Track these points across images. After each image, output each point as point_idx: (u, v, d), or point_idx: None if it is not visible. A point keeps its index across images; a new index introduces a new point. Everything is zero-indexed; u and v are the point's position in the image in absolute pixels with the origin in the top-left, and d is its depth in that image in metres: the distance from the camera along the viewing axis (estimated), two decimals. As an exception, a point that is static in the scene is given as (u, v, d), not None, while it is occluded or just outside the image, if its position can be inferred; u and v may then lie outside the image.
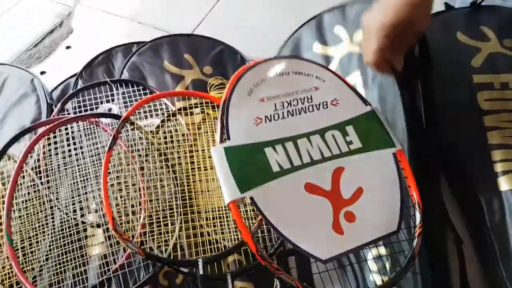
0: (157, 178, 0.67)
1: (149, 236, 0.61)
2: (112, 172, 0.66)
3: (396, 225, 0.48)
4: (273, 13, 1.15)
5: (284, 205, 0.44)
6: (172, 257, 0.60)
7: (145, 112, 0.78)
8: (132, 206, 0.64)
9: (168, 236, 0.61)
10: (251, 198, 0.43)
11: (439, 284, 0.63)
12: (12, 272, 0.60)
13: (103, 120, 0.74)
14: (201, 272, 0.56)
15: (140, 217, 0.62)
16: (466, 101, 0.82)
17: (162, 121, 0.73)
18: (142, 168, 0.67)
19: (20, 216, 0.65)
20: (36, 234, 0.64)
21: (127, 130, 0.71)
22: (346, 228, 0.45)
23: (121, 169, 0.67)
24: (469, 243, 0.74)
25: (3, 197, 0.65)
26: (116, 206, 0.63)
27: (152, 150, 0.69)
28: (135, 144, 0.70)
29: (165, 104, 0.82)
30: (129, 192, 0.65)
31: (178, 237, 0.61)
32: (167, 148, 0.71)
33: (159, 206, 0.64)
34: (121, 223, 0.61)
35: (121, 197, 0.64)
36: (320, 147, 0.49)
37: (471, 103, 0.82)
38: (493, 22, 0.90)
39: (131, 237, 0.58)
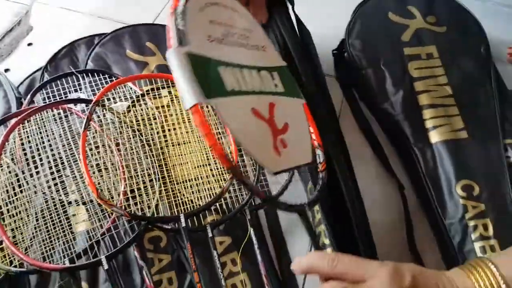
0: (133, 152, 0.73)
1: (132, 201, 0.67)
2: (89, 150, 0.72)
3: (310, 158, 0.57)
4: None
5: (239, 122, 0.46)
6: (155, 216, 0.67)
7: (113, 98, 0.84)
8: (111, 178, 0.70)
9: (149, 198, 0.68)
10: (215, 106, 0.43)
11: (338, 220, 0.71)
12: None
13: (74, 107, 0.79)
14: (183, 224, 0.64)
15: (120, 186, 0.69)
16: (400, 70, 0.95)
17: (132, 101, 0.80)
18: (117, 145, 0.73)
19: (2, 199, 0.69)
20: (22, 214, 0.68)
21: (99, 113, 0.77)
22: (281, 151, 0.50)
23: (97, 148, 0.73)
24: (409, 187, 0.86)
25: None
26: (96, 179, 0.69)
27: (125, 128, 0.75)
28: (107, 124, 0.76)
29: (131, 89, 0.88)
30: (107, 167, 0.71)
31: (158, 199, 0.68)
32: (139, 126, 0.77)
33: (138, 176, 0.71)
34: (104, 194, 0.67)
35: (99, 171, 0.70)
36: (258, 81, 0.52)
37: (403, 71, 0.94)
38: (418, 1, 1.04)
39: (115, 203, 0.65)
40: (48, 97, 0.87)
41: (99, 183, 0.70)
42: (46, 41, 1.12)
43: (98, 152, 0.72)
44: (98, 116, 0.77)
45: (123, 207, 0.65)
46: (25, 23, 1.17)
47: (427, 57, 0.97)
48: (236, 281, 0.69)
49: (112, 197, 0.68)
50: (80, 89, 0.90)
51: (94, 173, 0.69)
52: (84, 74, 0.92)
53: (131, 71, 0.97)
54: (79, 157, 0.70)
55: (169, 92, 0.85)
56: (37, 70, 1.00)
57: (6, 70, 1.02)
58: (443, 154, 0.84)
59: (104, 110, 0.76)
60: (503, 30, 1.14)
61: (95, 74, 0.93)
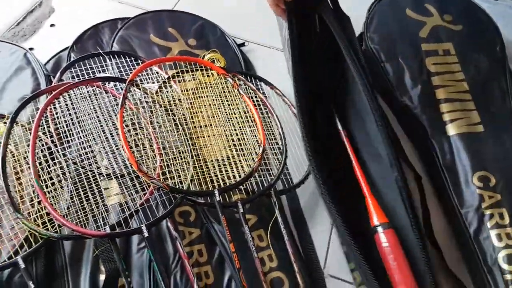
0: (166, 130, 0.75)
1: (169, 175, 0.69)
2: (125, 127, 0.73)
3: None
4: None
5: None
6: (191, 189, 0.69)
7: (141, 80, 0.86)
8: (148, 153, 0.72)
9: (184, 173, 0.70)
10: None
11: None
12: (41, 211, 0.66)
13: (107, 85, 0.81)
14: (217, 199, 0.66)
15: (156, 161, 0.71)
16: (418, 65, 0.98)
17: (164, 82, 0.82)
18: (151, 122, 0.75)
19: (42, 169, 0.70)
20: (57, 185, 0.70)
21: (132, 92, 0.79)
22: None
23: (133, 125, 0.74)
24: (426, 180, 0.89)
25: (18, 159, 0.71)
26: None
27: (158, 107, 0.77)
28: (141, 103, 0.78)
29: (158, 72, 0.90)
30: (143, 143, 0.73)
31: (193, 174, 0.70)
32: (170, 106, 0.80)
33: (172, 153, 0.73)
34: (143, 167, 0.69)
35: (136, 146, 0.72)
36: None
37: (421, 66, 0.97)
38: (435, 0, 1.07)
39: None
40: (77, 76, 0.88)
41: (136, 158, 0.71)
42: (68, 22, 1.14)
43: (135, 129, 0.74)
44: (132, 95, 0.79)
45: (162, 180, 0.67)
46: (46, 4, 1.18)
47: (444, 53, 1.00)
48: (264, 255, 0.71)
49: (149, 171, 0.69)
50: (107, 69, 0.92)
51: (131, 148, 0.71)
52: (111, 55, 0.94)
53: (155, 55, 0.99)
54: (117, 132, 0.72)
55: (198, 76, 0.88)
56: (63, 50, 1.01)
57: (31, 49, 1.03)
58: (459, 146, 0.87)
59: (138, 89, 0.78)
60: (512, 32, 1.17)
61: (121, 56, 0.94)
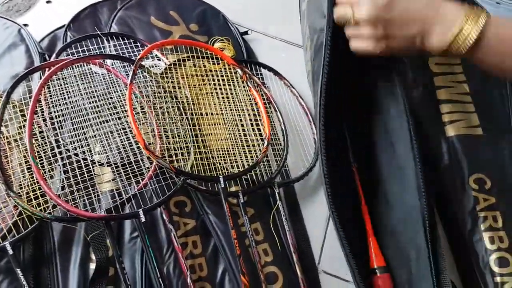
0: (169, 113, 0.75)
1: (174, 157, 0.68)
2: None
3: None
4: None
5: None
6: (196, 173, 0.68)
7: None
8: (150, 135, 0.71)
9: (186, 158, 0.69)
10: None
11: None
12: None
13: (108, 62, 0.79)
14: (222, 185, 0.65)
15: (157, 143, 0.70)
16: (421, 65, 0.97)
17: (169, 66, 0.80)
18: (153, 105, 0.74)
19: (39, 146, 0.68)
20: (52, 165, 0.68)
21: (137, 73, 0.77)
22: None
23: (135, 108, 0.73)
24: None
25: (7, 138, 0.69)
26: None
27: (162, 90, 0.76)
28: (145, 86, 0.77)
29: (157, 56, 0.88)
30: (144, 124, 0.73)
31: (193, 160, 0.69)
32: (175, 90, 0.79)
33: (173, 137, 0.71)
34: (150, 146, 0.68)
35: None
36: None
37: (425, 66, 0.96)
38: None
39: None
40: (73, 56, 0.86)
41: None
42: (65, 0, 1.10)
43: (136, 112, 0.72)
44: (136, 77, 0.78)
45: (168, 160, 0.66)
46: (43, -21, 1.14)
47: (448, 53, 0.99)
48: (259, 249, 0.70)
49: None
50: (105, 51, 0.89)
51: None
52: (109, 37, 0.91)
53: (156, 38, 0.96)
54: (125, 109, 0.71)
55: (205, 63, 0.86)
56: (59, 28, 0.97)
57: (25, 25, 0.99)
58: (458, 148, 0.87)
59: (143, 71, 0.76)
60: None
61: (120, 37, 0.92)
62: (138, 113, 0.74)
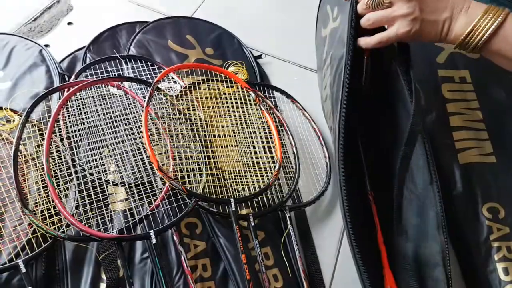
0: (182, 136, 0.76)
1: (181, 179, 0.69)
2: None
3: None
4: (264, 3, 1.26)
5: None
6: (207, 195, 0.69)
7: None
8: (163, 156, 0.72)
9: (198, 180, 0.70)
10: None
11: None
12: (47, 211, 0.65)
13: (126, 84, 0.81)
14: (233, 208, 0.66)
15: (170, 165, 0.71)
16: (433, 90, 0.97)
17: (185, 88, 0.82)
18: (168, 127, 0.75)
19: (54, 168, 0.69)
20: (67, 184, 0.69)
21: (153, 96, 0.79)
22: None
23: (150, 130, 0.74)
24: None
25: (25, 156, 0.71)
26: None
27: (176, 113, 0.77)
28: (161, 108, 0.79)
29: (173, 79, 0.90)
30: (159, 145, 0.74)
31: (206, 182, 0.70)
32: (189, 112, 0.80)
33: (186, 159, 0.72)
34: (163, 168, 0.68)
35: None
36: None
37: (437, 92, 0.97)
38: None
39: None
40: (92, 77, 0.88)
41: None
42: (86, 22, 1.14)
43: (152, 134, 0.74)
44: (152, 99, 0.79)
45: (180, 182, 0.66)
46: (65, 1, 1.18)
47: (460, 80, 0.99)
48: (269, 274, 0.70)
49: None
50: (123, 73, 0.91)
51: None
52: (127, 59, 0.94)
53: (172, 61, 0.98)
54: (141, 130, 0.73)
55: (219, 86, 0.88)
56: (79, 49, 1.01)
57: (46, 46, 1.03)
58: (471, 175, 0.86)
59: (159, 93, 0.78)
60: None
61: (138, 60, 0.94)
62: (153, 134, 0.76)
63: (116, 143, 0.75)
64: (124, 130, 0.78)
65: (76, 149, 0.73)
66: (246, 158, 0.80)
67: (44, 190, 0.68)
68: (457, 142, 0.91)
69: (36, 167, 0.72)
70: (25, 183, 0.70)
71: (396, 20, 0.60)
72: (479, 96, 0.97)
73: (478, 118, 0.94)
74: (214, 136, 0.82)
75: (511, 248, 0.78)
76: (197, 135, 0.76)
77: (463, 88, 0.99)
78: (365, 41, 0.66)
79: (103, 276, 0.65)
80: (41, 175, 0.70)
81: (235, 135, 0.82)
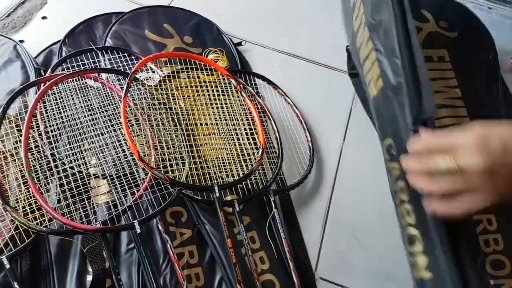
0: (164, 125, 0.75)
1: (166, 169, 0.69)
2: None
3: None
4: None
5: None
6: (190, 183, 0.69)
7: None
8: (144, 146, 0.72)
9: (181, 168, 0.70)
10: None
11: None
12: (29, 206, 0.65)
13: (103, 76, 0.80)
14: (217, 194, 0.66)
15: (151, 154, 0.70)
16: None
17: (163, 78, 0.81)
18: (148, 117, 0.75)
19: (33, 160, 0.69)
20: (47, 179, 0.68)
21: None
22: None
23: (129, 121, 0.74)
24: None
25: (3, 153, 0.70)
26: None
27: (156, 102, 0.77)
28: (140, 98, 0.78)
29: (151, 68, 0.89)
30: (139, 135, 0.73)
31: (188, 170, 0.70)
32: (169, 102, 0.80)
33: (168, 148, 0.72)
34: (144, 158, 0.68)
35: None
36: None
37: (416, 71, 0.97)
38: (431, 6, 1.07)
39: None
40: (68, 70, 0.87)
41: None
42: (60, 15, 1.11)
43: (131, 124, 0.73)
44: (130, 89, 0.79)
45: (162, 171, 0.66)
46: (39, -4, 1.15)
47: (439, 59, 1.00)
48: (256, 257, 0.70)
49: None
50: (100, 65, 0.90)
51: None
52: (104, 51, 0.92)
53: (150, 51, 0.97)
54: (120, 121, 0.72)
55: (199, 74, 0.87)
56: (55, 43, 0.99)
57: (21, 41, 1.00)
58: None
59: (137, 83, 0.77)
60: (506, 41, 1.19)
61: (115, 51, 0.93)
62: (132, 125, 0.75)
63: (95, 135, 0.75)
64: (103, 122, 0.77)
65: (55, 143, 0.72)
66: (229, 145, 0.80)
67: (25, 186, 0.67)
68: (438, 120, 0.93)
69: (16, 163, 0.71)
70: (5, 180, 0.69)
71: (471, 194, 0.44)
72: (457, 73, 0.98)
73: (457, 95, 0.96)
74: (196, 124, 0.81)
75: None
76: (178, 124, 0.76)
77: (441, 67, 1.00)
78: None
79: (89, 268, 0.65)
80: (20, 171, 0.70)
81: (217, 123, 0.82)
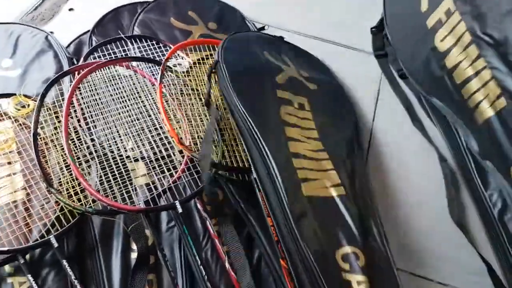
0: (194, 109, 0.77)
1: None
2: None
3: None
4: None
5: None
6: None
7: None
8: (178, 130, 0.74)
9: (216, 150, 0.71)
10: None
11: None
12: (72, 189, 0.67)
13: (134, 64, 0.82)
14: (254, 175, 0.67)
15: (186, 138, 0.72)
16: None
17: (194, 63, 0.82)
18: (179, 103, 0.76)
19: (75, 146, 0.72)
20: (85, 165, 0.71)
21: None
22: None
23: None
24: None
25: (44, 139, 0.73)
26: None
27: (188, 87, 0.78)
28: (172, 84, 0.80)
29: (180, 55, 0.90)
30: (172, 120, 0.75)
31: (222, 152, 0.71)
32: (197, 87, 0.80)
33: (201, 131, 0.74)
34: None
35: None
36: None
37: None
38: (290, 52, 0.97)
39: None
40: (99, 59, 0.89)
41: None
42: (86, 6, 1.14)
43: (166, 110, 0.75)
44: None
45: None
46: (64, -11, 1.18)
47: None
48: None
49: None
50: (129, 53, 0.91)
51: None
52: (133, 39, 0.94)
53: (176, 39, 0.99)
54: (157, 106, 0.74)
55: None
56: (83, 34, 1.01)
57: (51, 32, 1.03)
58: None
59: (169, 70, 0.79)
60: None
61: (143, 39, 0.95)
62: (166, 110, 0.77)
63: (131, 120, 0.76)
64: (138, 108, 0.79)
65: (93, 128, 0.74)
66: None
67: (67, 169, 0.70)
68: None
69: (56, 148, 0.73)
70: (47, 164, 0.71)
71: None
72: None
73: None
74: (225, 108, 0.82)
75: None
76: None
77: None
78: None
79: (133, 246, 0.67)
80: (62, 155, 0.72)
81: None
